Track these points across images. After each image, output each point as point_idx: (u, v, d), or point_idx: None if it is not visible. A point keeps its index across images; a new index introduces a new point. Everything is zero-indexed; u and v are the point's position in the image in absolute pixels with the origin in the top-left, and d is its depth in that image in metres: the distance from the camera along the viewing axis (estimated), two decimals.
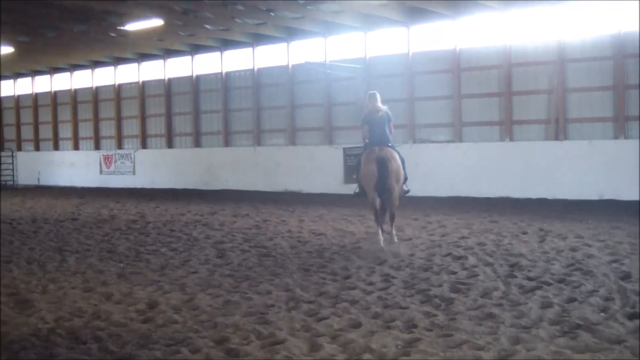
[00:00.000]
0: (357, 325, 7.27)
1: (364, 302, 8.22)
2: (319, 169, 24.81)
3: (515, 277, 9.38)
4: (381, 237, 12.37)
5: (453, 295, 8.45)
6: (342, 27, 24.12)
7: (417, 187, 22.28)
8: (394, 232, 12.84)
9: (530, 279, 9.25)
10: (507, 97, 21.33)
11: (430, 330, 7.01)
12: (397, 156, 12.54)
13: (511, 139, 21.27)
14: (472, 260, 10.71)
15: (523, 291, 8.57)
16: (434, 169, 22.28)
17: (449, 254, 11.34)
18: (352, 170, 22.40)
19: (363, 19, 23.28)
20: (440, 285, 8.98)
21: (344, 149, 24.08)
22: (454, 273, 9.81)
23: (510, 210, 17.60)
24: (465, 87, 22.34)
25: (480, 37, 21.97)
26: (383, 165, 12.18)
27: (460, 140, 22.38)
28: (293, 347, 6.53)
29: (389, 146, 12.66)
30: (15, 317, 7.89)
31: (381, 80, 24.14)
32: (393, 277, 9.56)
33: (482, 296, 8.37)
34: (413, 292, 8.66)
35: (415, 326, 7.15)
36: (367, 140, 12.89)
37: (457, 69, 22.32)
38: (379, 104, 12.85)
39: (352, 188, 21.31)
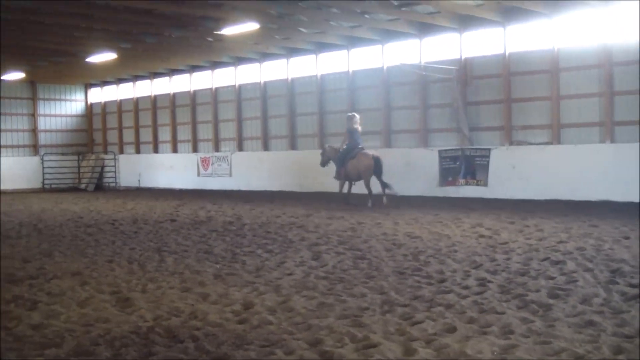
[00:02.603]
0: (452, 329, 7.16)
1: (459, 306, 8.10)
2: (414, 172, 24.61)
3: (617, 283, 9.06)
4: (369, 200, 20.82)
5: (551, 301, 8.23)
6: (437, 28, 23.92)
7: (514, 189, 22.03)
8: (384, 197, 20.76)
9: (633, 286, 8.91)
10: (608, 98, 20.70)
11: (528, 337, 6.85)
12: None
13: (612, 141, 20.62)
14: (571, 265, 10.42)
15: (625, 298, 8.27)
16: (531, 171, 21.86)
17: (546, 259, 11.07)
18: (447, 172, 22.37)
19: (459, 19, 23.04)
20: (538, 291, 8.76)
21: (439, 151, 23.89)
22: (552, 278, 9.56)
23: (611, 214, 17.05)
24: (564, 87, 21.82)
25: (579, 36, 21.40)
26: (377, 160, 20.80)
27: (559, 142, 21.86)
28: (387, 351, 6.48)
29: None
30: (118, 315, 8.12)
31: (477, 81, 23.86)
32: (489, 282, 9.40)
33: (582, 303, 8.12)
34: (509, 297, 8.48)
35: (512, 332, 7.00)
36: (348, 142, 21.57)
37: (556, 69, 21.81)
38: (357, 125, 21.55)
39: (446, 191, 21.82)
